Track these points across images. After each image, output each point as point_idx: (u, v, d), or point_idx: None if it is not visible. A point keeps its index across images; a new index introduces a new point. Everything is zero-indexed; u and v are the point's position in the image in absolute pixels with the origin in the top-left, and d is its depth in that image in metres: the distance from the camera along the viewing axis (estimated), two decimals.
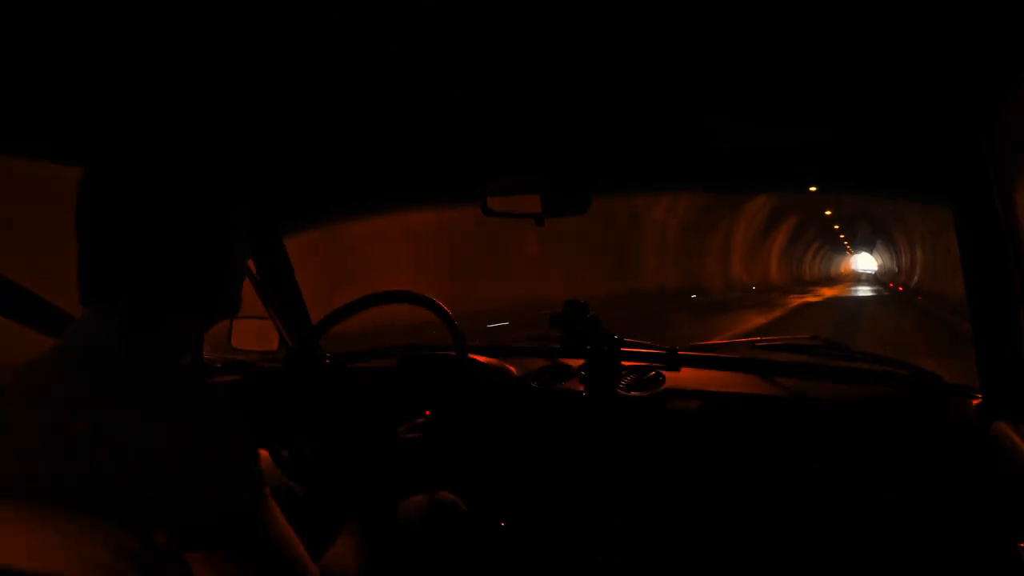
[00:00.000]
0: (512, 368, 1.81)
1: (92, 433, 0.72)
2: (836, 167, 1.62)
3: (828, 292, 31.33)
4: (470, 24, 0.90)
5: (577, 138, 1.46)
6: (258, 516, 0.76)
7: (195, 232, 0.83)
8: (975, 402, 1.39)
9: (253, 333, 2.04)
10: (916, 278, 28.84)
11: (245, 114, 1.27)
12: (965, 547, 1.23)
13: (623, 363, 1.74)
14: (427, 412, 1.57)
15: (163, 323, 0.83)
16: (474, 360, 1.69)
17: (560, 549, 1.59)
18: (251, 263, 2.00)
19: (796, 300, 23.84)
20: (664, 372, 1.73)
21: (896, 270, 45.76)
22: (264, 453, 1.46)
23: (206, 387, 0.79)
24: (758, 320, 15.11)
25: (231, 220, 0.88)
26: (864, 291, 31.82)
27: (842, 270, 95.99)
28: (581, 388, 1.70)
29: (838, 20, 0.89)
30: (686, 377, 1.73)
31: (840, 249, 73.06)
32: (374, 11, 0.86)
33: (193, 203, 0.83)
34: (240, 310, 0.94)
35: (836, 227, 52.54)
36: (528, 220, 1.61)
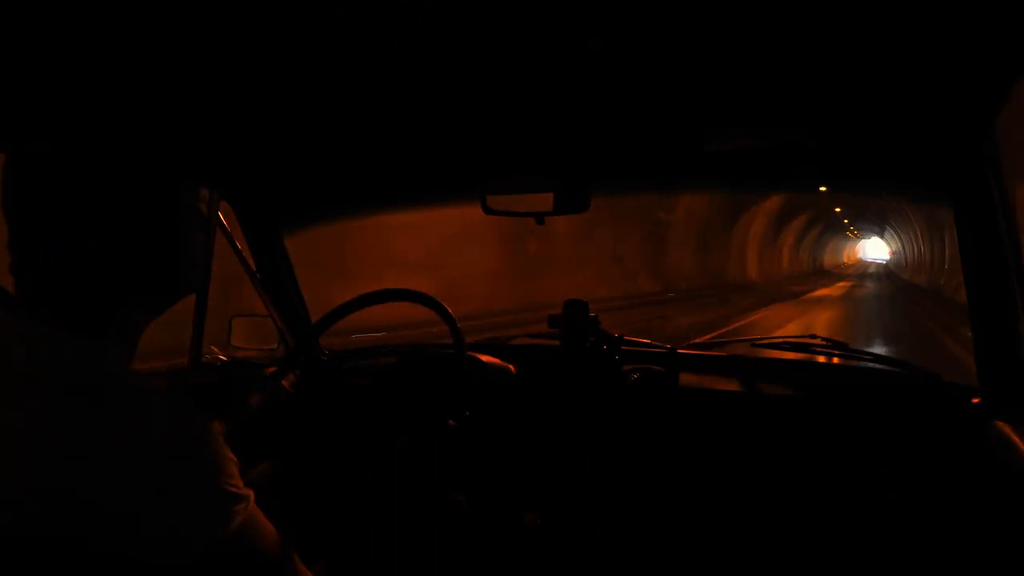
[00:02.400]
0: (512, 367, 1.81)
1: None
2: (836, 166, 1.62)
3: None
4: (470, 24, 0.90)
5: (578, 138, 1.46)
6: (229, 541, 0.69)
7: (136, 214, 0.77)
8: (974, 401, 1.39)
9: (252, 332, 2.04)
10: None
11: (242, 113, 1.27)
12: (964, 547, 1.23)
13: (623, 361, 1.74)
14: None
15: (107, 318, 0.76)
16: (474, 359, 1.69)
17: (561, 546, 1.59)
18: (251, 261, 2.00)
19: None
20: (664, 371, 1.74)
21: (928, 261, 25.17)
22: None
23: (157, 393, 0.71)
24: None
25: (178, 200, 0.82)
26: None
27: (845, 259, 75.28)
28: (581, 386, 1.70)
29: (838, 20, 0.89)
30: (686, 375, 1.73)
31: (838, 227, 51.14)
32: (374, 11, 0.86)
33: (132, 184, 0.77)
34: (196, 290, 0.88)
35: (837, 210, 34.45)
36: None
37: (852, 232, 63.39)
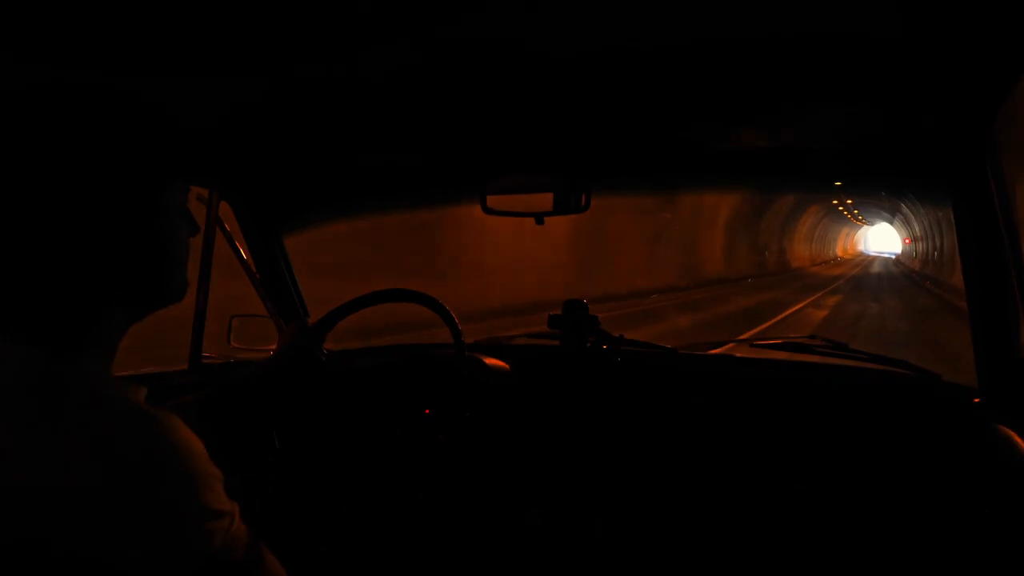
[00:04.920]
0: (511, 367, 1.81)
1: None
2: (836, 166, 1.62)
3: None
4: (470, 24, 0.90)
5: (577, 138, 1.46)
6: (212, 560, 0.66)
7: (125, 215, 0.72)
8: (975, 401, 1.39)
9: (252, 332, 2.04)
10: None
11: (242, 112, 1.27)
12: (964, 546, 1.23)
13: (622, 361, 1.74)
14: (426, 411, 1.58)
15: (87, 326, 0.72)
16: (473, 359, 1.69)
17: (560, 544, 1.59)
18: (251, 262, 1.99)
19: None
20: (664, 371, 1.74)
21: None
22: None
23: (135, 406, 0.68)
24: None
25: (166, 201, 0.77)
26: None
27: (838, 252, 57.26)
28: (580, 386, 1.70)
29: (839, 21, 0.89)
30: (685, 375, 1.73)
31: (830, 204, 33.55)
32: (374, 11, 0.86)
33: (108, 185, 0.71)
34: (182, 297, 0.82)
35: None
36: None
37: (855, 217, 48.18)
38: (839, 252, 57.81)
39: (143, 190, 0.75)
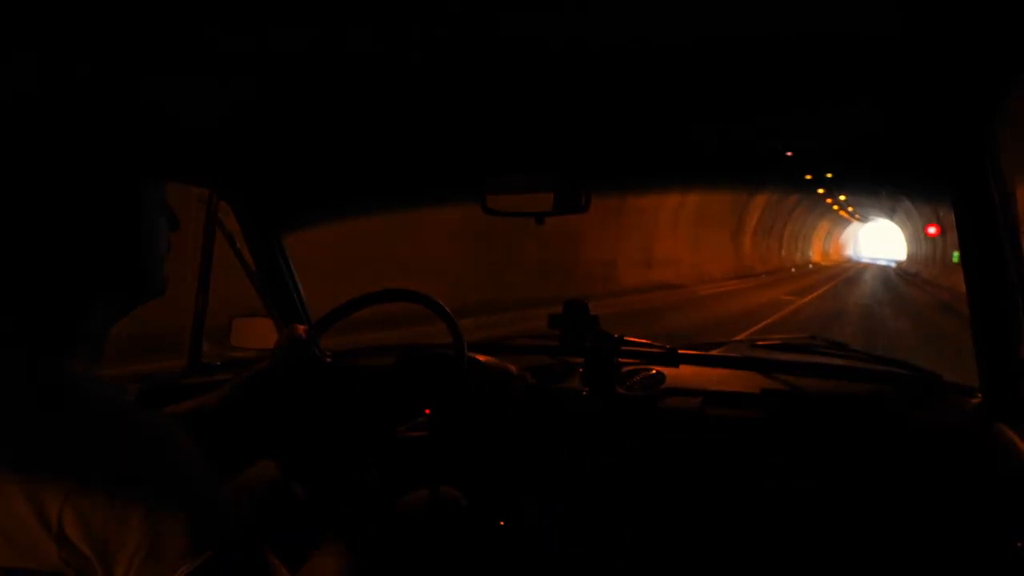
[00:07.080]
0: (512, 367, 1.81)
1: None
2: (836, 164, 1.62)
3: None
4: (471, 23, 0.90)
5: (578, 138, 1.46)
6: (209, 566, 0.65)
7: (103, 210, 0.72)
8: (974, 401, 1.39)
9: (253, 332, 2.03)
10: None
11: (242, 112, 1.27)
12: (963, 547, 1.23)
13: (622, 361, 1.74)
14: (427, 411, 1.58)
15: (72, 327, 0.72)
16: (473, 359, 1.69)
17: (560, 548, 1.59)
18: (251, 261, 1.99)
19: None
20: (663, 371, 1.73)
21: None
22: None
23: (128, 411, 0.67)
24: None
25: (143, 194, 0.77)
26: None
27: (814, 257, 41.46)
28: (581, 387, 1.70)
29: (838, 19, 0.89)
30: (685, 376, 1.73)
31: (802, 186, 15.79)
32: (373, 11, 0.86)
33: (98, 179, 0.72)
34: (163, 292, 0.81)
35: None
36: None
37: (844, 211, 35.81)
38: (815, 256, 41.27)
39: (123, 185, 0.75)
